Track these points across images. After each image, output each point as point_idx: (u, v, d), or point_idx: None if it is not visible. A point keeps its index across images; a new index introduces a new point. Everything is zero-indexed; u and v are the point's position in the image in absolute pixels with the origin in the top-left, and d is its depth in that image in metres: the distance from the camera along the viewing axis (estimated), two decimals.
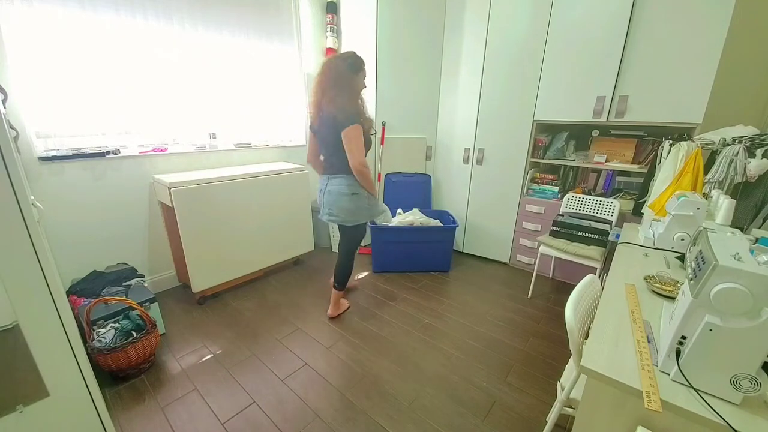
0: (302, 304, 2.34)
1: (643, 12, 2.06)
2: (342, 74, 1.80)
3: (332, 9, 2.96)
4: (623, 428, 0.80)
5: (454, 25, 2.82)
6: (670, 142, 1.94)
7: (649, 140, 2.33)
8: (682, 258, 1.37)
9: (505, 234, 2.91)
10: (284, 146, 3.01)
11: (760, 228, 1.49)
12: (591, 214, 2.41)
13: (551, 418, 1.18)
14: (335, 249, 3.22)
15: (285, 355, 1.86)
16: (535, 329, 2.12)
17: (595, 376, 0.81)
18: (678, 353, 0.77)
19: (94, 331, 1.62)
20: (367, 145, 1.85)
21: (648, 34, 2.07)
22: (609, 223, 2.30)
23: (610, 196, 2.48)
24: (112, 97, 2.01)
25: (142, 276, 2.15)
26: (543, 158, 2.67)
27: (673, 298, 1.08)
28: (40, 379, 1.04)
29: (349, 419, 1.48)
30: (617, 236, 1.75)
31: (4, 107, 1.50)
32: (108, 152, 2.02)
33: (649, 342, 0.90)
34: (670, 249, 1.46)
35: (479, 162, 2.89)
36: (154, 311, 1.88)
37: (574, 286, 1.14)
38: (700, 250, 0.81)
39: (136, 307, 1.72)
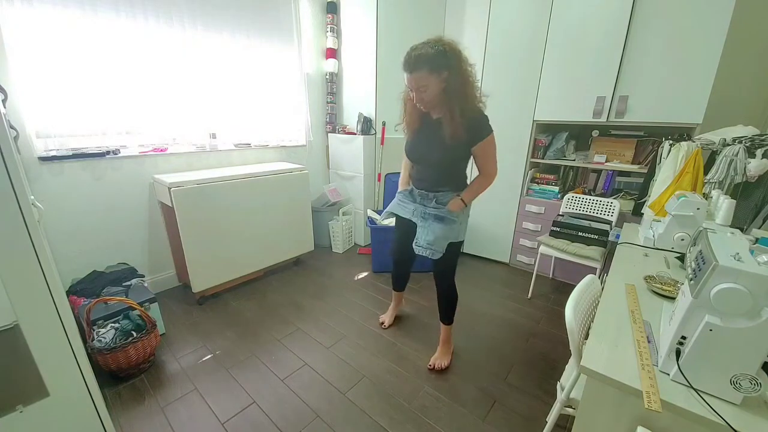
0: (302, 304, 2.34)
1: (643, 12, 2.06)
2: None
3: (332, 9, 2.96)
4: (623, 428, 0.80)
5: (454, 24, 2.82)
6: (670, 142, 1.94)
7: (649, 140, 2.33)
8: (682, 258, 1.37)
9: (505, 234, 2.91)
10: (284, 146, 3.01)
11: (760, 228, 1.49)
12: (591, 214, 2.41)
13: (551, 418, 1.18)
14: (335, 249, 3.23)
15: (285, 355, 1.86)
16: (535, 329, 2.11)
17: (595, 376, 0.81)
18: (678, 353, 0.77)
19: (94, 331, 1.62)
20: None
21: (648, 35, 2.07)
22: (609, 223, 2.30)
23: (610, 196, 2.48)
24: (112, 97, 2.01)
25: (142, 276, 2.15)
26: (543, 158, 2.67)
27: (673, 298, 1.08)
28: (40, 379, 1.04)
29: (349, 419, 1.48)
30: (617, 236, 1.75)
31: (4, 107, 1.50)
32: (108, 152, 2.02)
33: (649, 342, 0.90)
34: (670, 249, 1.46)
35: None
36: (154, 311, 1.88)
37: (574, 286, 1.14)
38: (700, 251, 0.81)
39: (136, 307, 1.72)
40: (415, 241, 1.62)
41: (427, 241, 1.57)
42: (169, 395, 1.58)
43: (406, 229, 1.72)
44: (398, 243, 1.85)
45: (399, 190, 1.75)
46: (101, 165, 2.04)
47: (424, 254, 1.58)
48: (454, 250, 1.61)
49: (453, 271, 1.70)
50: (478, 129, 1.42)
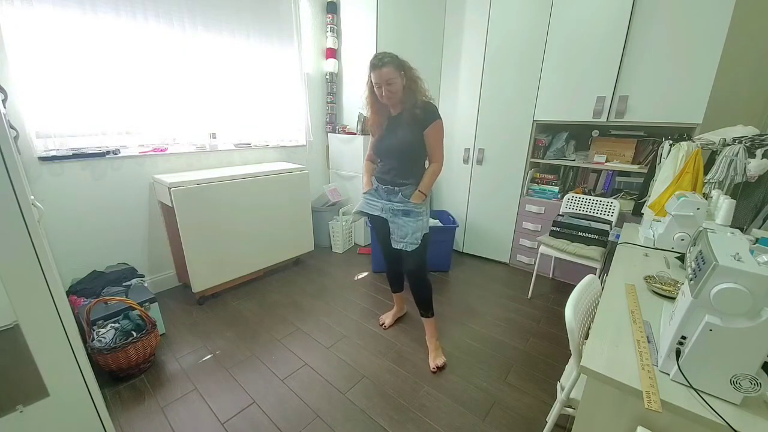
0: (302, 304, 2.34)
1: (643, 12, 2.06)
2: None
3: (332, 9, 2.96)
4: (623, 428, 0.80)
5: (454, 25, 2.82)
6: (670, 142, 1.94)
7: (649, 140, 2.33)
8: (682, 258, 1.37)
9: (505, 234, 2.91)
10: (284, 146, 3.01)
11: (760, 228, 1.49)
12: (591, 214, 2.41)
13: (551, 418, 1.18)
14: (335, 249, 3.23)
15: (285, 355, 1.86)
16: (535, 329, 2.11)
17: (595, 376, 0.81)
18: (678, 353, 0.77)
19: (94, 331, 1.62)
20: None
21: (648, 34, 2.07)
22: (609, 223, 2.30)
23: (610, 196, 2.48)
24: (112, 97, 2.01)
25: (142, 276, 2.15)
26: (543, 158, 2.67)
27: (673, 298, 1.08)
28: (40, 379, 1.04)
29: (349, 419, 1.48)
30: (617, 236, 1.75)
31: (4, 107, 1.50)
32: (108, 152, 2.02)
33: (649, 342, 0.90)
34: (670, 249, 1.46)
35: (479, 162, 2.89)
36: (154, 311, 1.88)
37: (574, 286, 1.14)
38: (700, 251, 0.81)
39: (136, 307, 1.72)
40: (391, 236, 1.76)
41: (400, 236, 1.72)
42: (169, 395, 1.58)
43: (383, 228, 1.83)
44: (382, 243, 1.92)
45: (364, 191, 1.87)
46: (101, 165, 2.04)
47: (399, 247, 1.71)
48: (423, 244, 1.72)
49: (424, 264, 1.78)
50: (430, 112, 1.64)
